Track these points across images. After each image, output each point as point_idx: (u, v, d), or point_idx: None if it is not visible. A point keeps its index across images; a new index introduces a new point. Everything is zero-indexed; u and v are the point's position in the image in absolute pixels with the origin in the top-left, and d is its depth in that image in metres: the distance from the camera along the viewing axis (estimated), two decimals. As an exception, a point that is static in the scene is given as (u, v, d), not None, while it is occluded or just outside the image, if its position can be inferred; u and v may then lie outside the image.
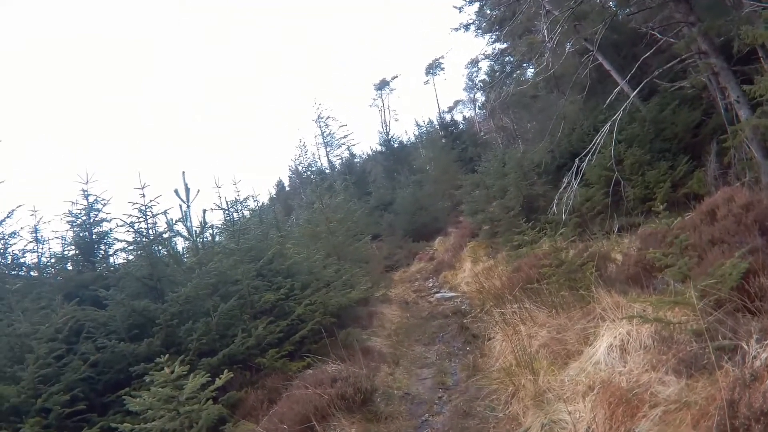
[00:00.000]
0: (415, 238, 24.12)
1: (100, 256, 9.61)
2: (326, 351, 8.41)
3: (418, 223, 25.05)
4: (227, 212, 10.75)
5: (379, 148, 35.10)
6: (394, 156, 33.27)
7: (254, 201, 16.46)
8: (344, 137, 31.80)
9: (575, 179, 12.43)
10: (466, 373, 7.68)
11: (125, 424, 5.88)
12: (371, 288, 12.90)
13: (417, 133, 37.01)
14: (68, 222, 9.40)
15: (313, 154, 32.62)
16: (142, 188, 8.86)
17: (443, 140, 31.03)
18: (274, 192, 31.64)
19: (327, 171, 31.22)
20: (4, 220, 10.87)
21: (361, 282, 12.06)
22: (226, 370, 6.25)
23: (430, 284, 17.37)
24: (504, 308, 8.59)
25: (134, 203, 8.94)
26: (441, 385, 7.64)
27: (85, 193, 9.31)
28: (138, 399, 5.83)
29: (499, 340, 7.94)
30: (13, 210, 10.87)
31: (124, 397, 6.56)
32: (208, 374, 6.02)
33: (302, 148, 36.52)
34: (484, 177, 17.91)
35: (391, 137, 34.85)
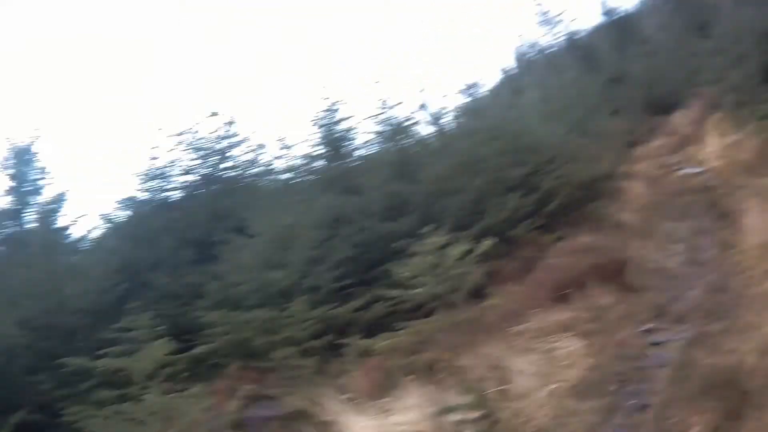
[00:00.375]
0: (653, 113, 22.32)
1: (348, 150, 10.14)
2: (576, 224, 8.33)
3: (655, 97, 22.98)
4: (465, 94, 10.78)
5: (601, 20, 32.45)
6: (619, 27, 30.62)
7: (485, 85, 16.30)
8: (561, 14, 29.74)
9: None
10: (718, 249, 7.12)
11: (395, 291, 6.27)
12: (615, 163, 12.24)
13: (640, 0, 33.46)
14: (314, 124, 9.96)
15: (535, 35, 30.79)
16: (378, 82, 9.27)
17: (669, 5, 27.85)
18: (501, 76, 30.80)
19: (551, 50, 29.67)
20: (247, 139, 12.02)
21: (604, 157, 11.58)
22: (487, 239, 6.35)
23: (674, 160, 16.06)
24: (757, 182, 7.85)
25: (378, 98, 9.49)
26: (693, 260, 7.15)
27: (325, 98, 9.83)
28: (405, 267, 6.14)
29: (753, 215, 7.16)
30: (255, 130, 11.98)
31: (387, 270, 7.02)
32: (472, 240, 6.16)
33: (522, 31, 35.13)
34: (719, 42, 15.74)
35: (613, 8, 32.02)
